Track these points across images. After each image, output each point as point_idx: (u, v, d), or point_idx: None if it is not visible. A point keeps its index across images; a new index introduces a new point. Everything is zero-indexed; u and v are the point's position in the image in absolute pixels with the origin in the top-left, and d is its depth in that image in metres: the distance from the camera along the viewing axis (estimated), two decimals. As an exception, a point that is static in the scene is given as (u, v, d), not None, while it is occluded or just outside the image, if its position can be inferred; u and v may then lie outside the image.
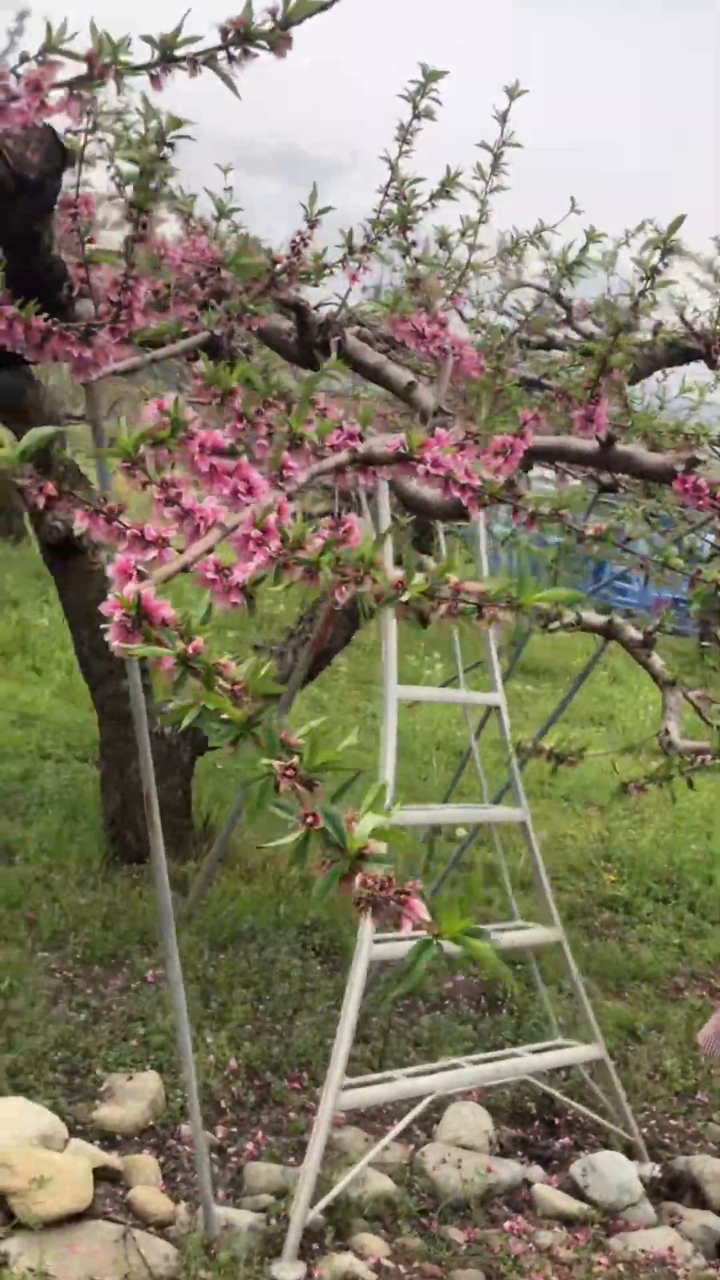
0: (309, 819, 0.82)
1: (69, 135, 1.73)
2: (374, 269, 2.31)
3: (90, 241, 1.71)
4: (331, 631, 4.53)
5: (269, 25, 1.11)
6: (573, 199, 3.19)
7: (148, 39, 1.14)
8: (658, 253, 1.78)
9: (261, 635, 8.16)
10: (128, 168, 1.58)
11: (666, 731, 3.03)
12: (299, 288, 2.20)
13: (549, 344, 4.24)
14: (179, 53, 1.15)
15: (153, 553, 1.14)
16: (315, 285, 2.26)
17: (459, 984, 3.97)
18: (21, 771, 5.04)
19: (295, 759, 0.85)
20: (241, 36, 1.11)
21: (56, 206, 1.70)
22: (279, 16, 1.11)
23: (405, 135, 2.24)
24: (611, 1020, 3.86)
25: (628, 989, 4.19)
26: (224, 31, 1.12)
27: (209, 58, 1.13)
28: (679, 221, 1.75)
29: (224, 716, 0.89)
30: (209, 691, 0.91)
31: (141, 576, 1.08)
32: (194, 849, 4.35)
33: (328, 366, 1.78)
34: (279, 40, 1.11)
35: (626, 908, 4.97)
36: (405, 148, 2.25)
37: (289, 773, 0.85)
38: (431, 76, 2.20)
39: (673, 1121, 3.32)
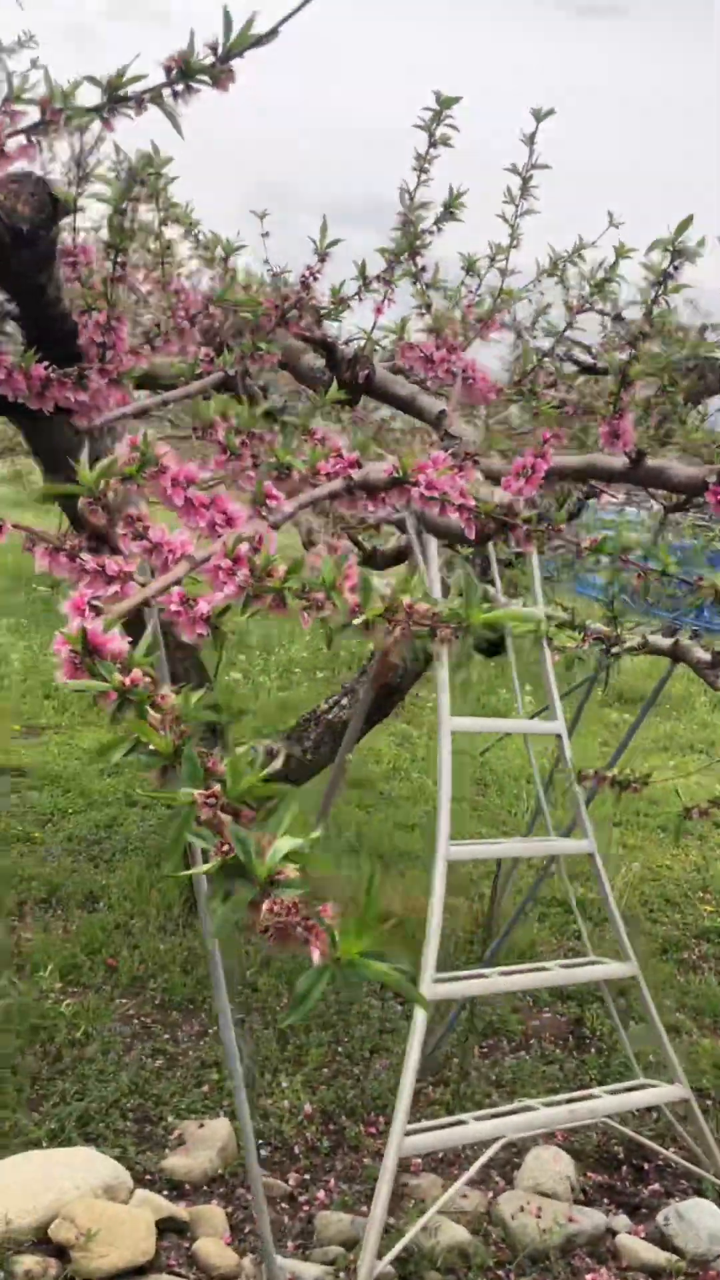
0: (225, 848, 0.78)
1: (69, 185, 1.77)
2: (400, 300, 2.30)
3: (91, 289, 1.73)
4: (402, 667, 4.50)
5: (210, 60, 1.10)
6: (610, 213, 3.14)
7: (93, 80, 1.15)
8: (667, 256, 1.72)
9: (353, 675, 8.16)
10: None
11: (738, 754, 2.92)
12: (317, 324, 2.20)
13: (660, 369, 4.18)
14: (126, 92, 1.15)
15: (114, 588, 1.13)
16: (336, 320, 2.26)
17: (545, 1021, 3.86)
18: (108, 819, 5.09)
19: (217, 787, 0.83)
20: (183, 73, 1.11)
21: (57, 256, 1.73)
22: (219, 51, 1.10)
23: (422, 164, 2.23)
24: (708, 1058, 3.71)
25: (726, 1025, 4.02)
26: (167, 70, 1.12)
27: (155, 96, 1.13)
28: (687, 222, 1.69)
29: (151, 747, 0.87)
30: (139, 722, 0.89)
31: (96, 611, 1.07)
32: (274, 891, 4.33)
33: (329, 398, 1.76)
34: (221, 75, 1.11)
35: (725, 940, 4.79)
36: (424, 177, 2.24)
37: (210, 801, 0.82)
38: (445, 103, 2.18)
39: (772, 1165, 3.16)
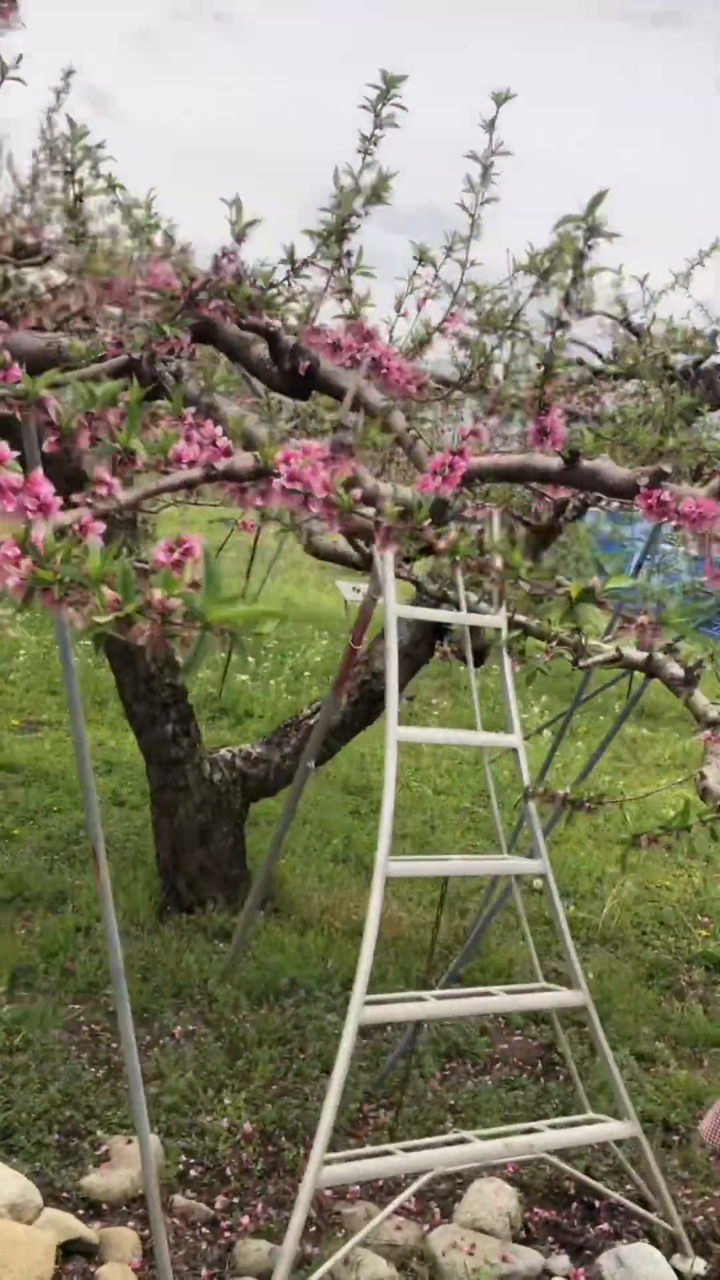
0: None
1: None
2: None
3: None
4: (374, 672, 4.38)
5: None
6: (603, 225, 3.01)
7: None
8: (580, 234, 1.60)
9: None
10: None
11: (703, 776, 2.78)
12: (250, 310, 2.10)
13: (630, 373, 4.05)
14: None
15: None
16: (270, 307, 2.16)
17: (515, 1045, 3.72)
18: (91, 818, 5.02)
19: None
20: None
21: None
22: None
23: (367, 146, 2.12)
24: (681, 1091, 3.55)
25: (706, 1056, 3.85)
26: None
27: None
28: (600, 197, 1.57)
29: None
30: None
31: None
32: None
33: (217, 381, 1.66)
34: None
35: (718, 965, 4.61)
36: (368, 159, 2.13)
37: None
38: (391, 82, 2.08)
39: (735, 1208, 3.00)
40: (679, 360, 4.46)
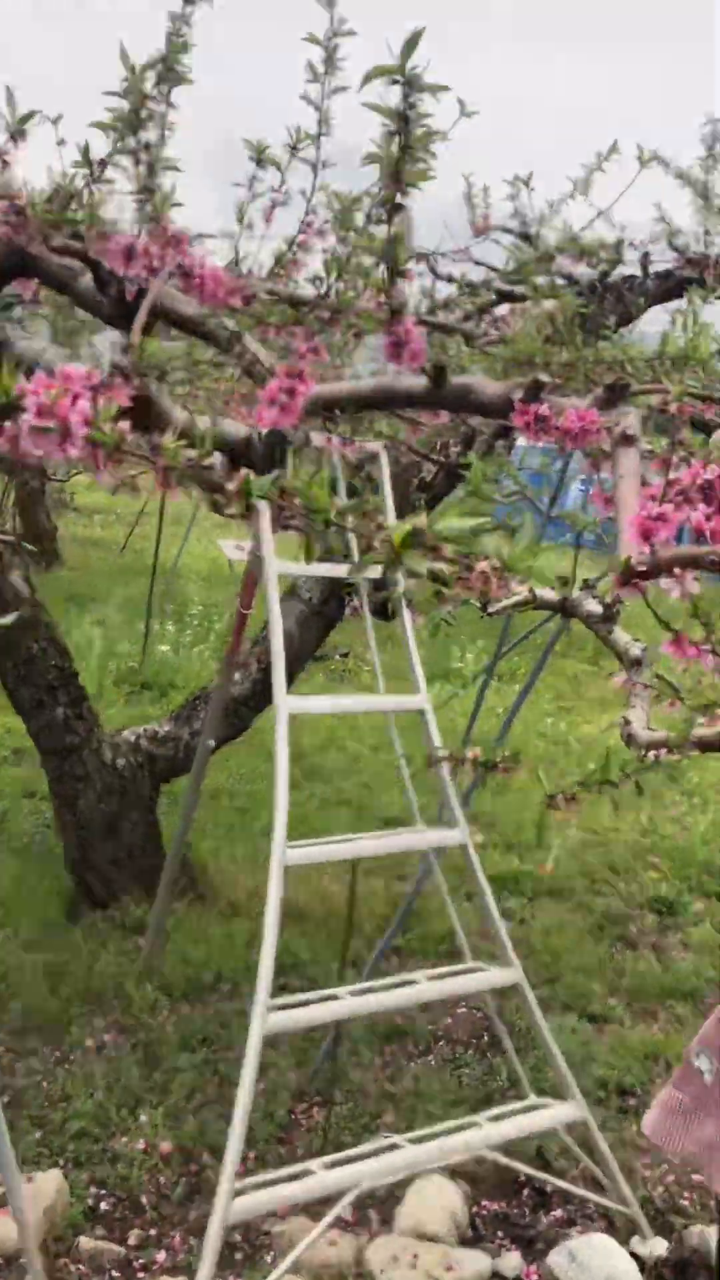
0: None
1: None
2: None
3: None
4: (299, 636, 4.09)
5: None
6: (461, 101, 2.70)
7: None
8: (395, 87, 1.30)
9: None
10: None
11: (627, 721, 2.53)
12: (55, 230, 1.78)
13: (520, 280, 3.76)
14: None
15: None
16: (67, 223, 1.83)
17: (459, 1019, 3.49)
18: None
19: None
20: None
21: None
22: None
23: (178, 27, 1.80)
24: (637, 1051, 3.35)
25: (661, 1009, 3.66)
26: None
27: None
28: (415, 39, 1.26)
29: None
30: None
31: None
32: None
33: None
34: None
35: (670, 908, 4.42)
36: (180, 40, 1.81)
37: None
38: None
39: (697, 1177, 2.80)
40: (584, 274, 4.17)
